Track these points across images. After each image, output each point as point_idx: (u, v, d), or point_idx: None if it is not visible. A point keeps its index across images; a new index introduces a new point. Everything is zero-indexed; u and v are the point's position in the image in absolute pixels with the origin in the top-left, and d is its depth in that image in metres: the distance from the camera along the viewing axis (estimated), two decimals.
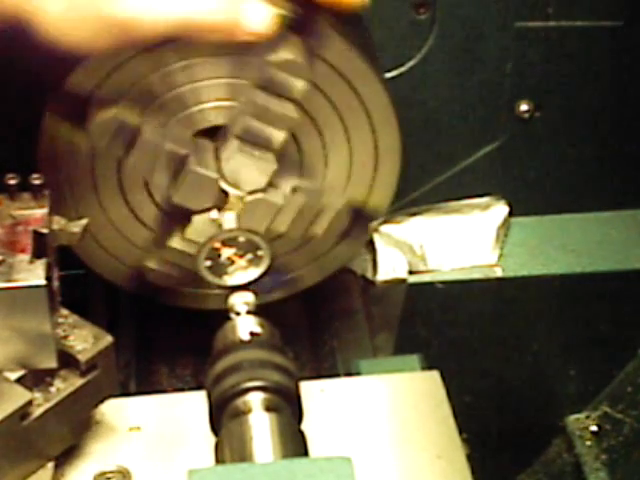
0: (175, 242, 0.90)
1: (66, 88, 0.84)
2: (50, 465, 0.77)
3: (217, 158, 0.86)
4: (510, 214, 1.08)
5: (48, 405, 0.74)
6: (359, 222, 0.92)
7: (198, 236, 0.87)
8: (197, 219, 0.87)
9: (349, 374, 0.92)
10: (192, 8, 0.76)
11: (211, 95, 0.86)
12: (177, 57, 0.84)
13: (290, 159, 0.89)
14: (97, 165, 0.88)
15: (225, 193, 0.86)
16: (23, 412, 0.72)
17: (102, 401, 0.79)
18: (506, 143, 1.05)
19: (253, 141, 0.85)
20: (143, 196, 0.90)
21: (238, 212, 0.86)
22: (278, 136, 0.85)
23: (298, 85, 0.84)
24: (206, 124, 0.87)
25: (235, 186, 0.86)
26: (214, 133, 0.87)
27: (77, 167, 0.88)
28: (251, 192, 0.86)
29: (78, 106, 0.84)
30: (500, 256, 1.06)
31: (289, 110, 0.84)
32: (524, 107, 1.04)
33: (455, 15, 0.99)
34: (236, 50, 0.83)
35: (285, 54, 0.82)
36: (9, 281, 0.71)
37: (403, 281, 1.04)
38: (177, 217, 0.89)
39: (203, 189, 0.86)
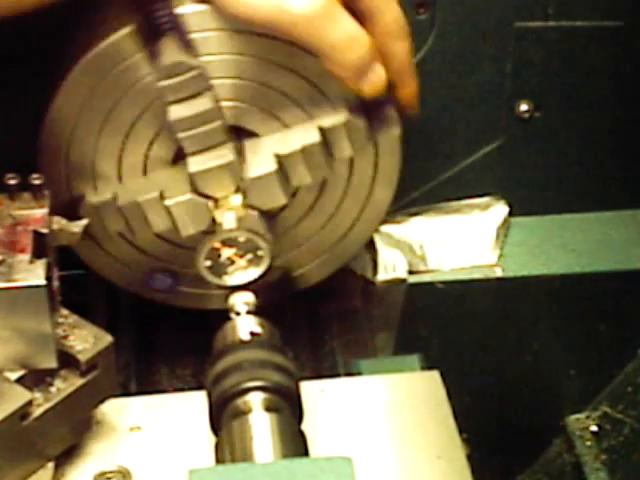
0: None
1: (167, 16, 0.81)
2: (50, 465, 0.77)
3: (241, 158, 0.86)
4: (510, 214, 1.08)
5: (48, 405, 0.74)
6: None
7: (171, 195, 0.85)
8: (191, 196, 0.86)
9: (349, 374, 0.92)
10: (347, 39, 0.80)
11: (278, 109, 0.86)
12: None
13: None
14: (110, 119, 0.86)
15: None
16: (23, 412, 0.72)
17: (102, 401, 0.79)
18: (506, 143, 1.05)
19: (286, 170, 0.85)
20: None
21: (238, 212, 0.86)
22: (305, 179, 0.86)
23: (345, 150, 0.86)
24: (245, 125, 0.86)
25: (243, 194, 0.85)
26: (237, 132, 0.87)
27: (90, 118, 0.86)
28: (252, 207, 0.86)
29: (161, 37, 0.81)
30: (500, 256, 1.06)
31: (330, 165, 0.86)
32: (524, 107, 1.03)
33: (455, 15, 0.99)
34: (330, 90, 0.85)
35: (360, 120, 0.84)
36: (9, 281, 0.71)
37: (403, 281, 1.03)
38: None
39: (224, 177, 0.85)
